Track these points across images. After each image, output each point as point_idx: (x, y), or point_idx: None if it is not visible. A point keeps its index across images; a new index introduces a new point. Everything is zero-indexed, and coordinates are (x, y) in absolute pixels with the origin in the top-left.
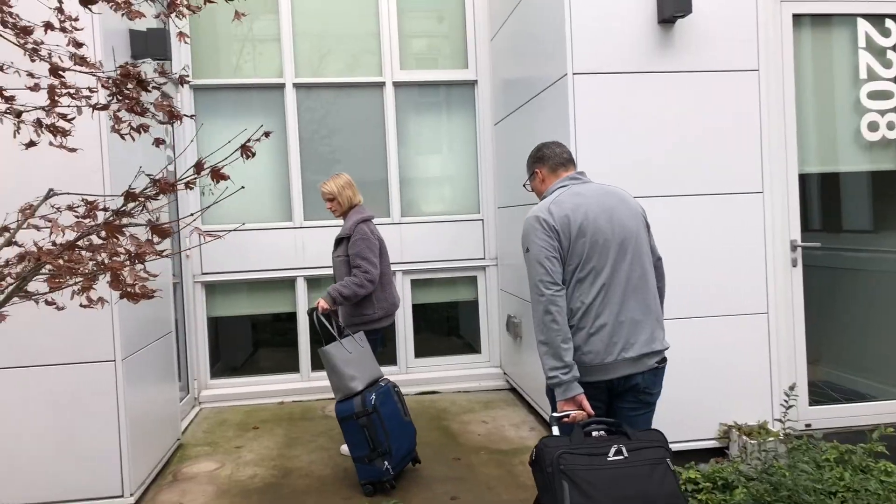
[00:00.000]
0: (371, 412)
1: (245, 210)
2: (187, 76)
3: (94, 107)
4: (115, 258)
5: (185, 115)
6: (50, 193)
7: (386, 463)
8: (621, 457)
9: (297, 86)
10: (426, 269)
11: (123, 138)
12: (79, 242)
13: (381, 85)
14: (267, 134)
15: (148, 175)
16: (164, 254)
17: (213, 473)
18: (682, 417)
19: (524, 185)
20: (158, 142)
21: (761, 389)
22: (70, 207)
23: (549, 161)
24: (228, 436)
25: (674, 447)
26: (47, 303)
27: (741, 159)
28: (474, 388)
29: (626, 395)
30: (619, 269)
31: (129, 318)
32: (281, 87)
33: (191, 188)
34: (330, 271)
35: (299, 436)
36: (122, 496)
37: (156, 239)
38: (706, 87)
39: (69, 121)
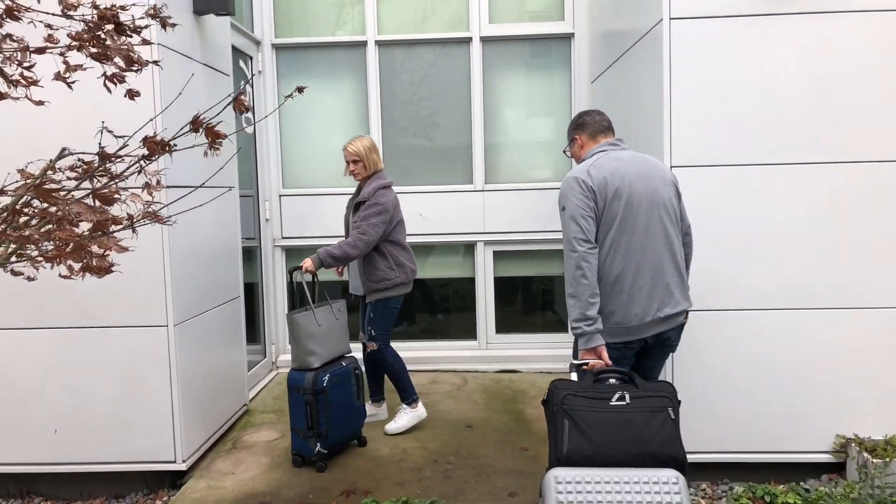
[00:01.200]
0: (319, 392)
1: (323, 175)
2: (169, 18)
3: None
4: (73, 227)
5: (150, 62)
6: (63, 153)
7: (318, 445)
8: (623, 402)
9: (379, 43)
10: (511, 240)
11: (70, 87)
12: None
13: (468, 41)
14: (300, 90)
15: (112, 132)
16: (127, 224)
17: (271, 444)
18: (792, 423)
19: (564, 151)
20: (132, 94)
21: (892, 398)
22: (72, 168)
23: (588, 128)
24: None
25: (781, 458)
26: (13, 272)
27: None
28: (559, 370)
29: (654, 349)
30: (653, 233)
31: (186, 282)
32: (363, 44)
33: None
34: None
35: None
36: (174, 461)
37: (108, 206)
38: (842, 30)
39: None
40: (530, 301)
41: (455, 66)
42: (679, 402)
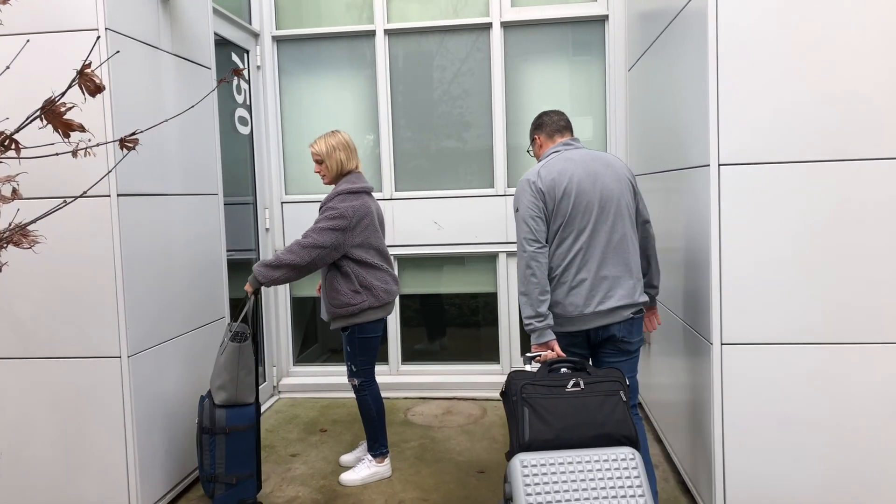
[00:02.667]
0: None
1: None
2: None
3: None
4: None
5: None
6: None
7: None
8: (578, 388)
9: (388, 33)
10: None
11: None
12: None
13: (487, 27)
14: (237, 72)
15: None
16: None
17: None
18: None
19: (527, 151)
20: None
21: None
22: None
23: (546, 128)
24: (290, 438)
25: None
26: None
27: None
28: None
29: (605, 344)
30: (599, 229)
31: (147, 304)
32: (371, 34)
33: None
34: (420, 250)
35: None
36: None
37: None
38: None
39: None
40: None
41: (473, 57)
42: (628, 385)
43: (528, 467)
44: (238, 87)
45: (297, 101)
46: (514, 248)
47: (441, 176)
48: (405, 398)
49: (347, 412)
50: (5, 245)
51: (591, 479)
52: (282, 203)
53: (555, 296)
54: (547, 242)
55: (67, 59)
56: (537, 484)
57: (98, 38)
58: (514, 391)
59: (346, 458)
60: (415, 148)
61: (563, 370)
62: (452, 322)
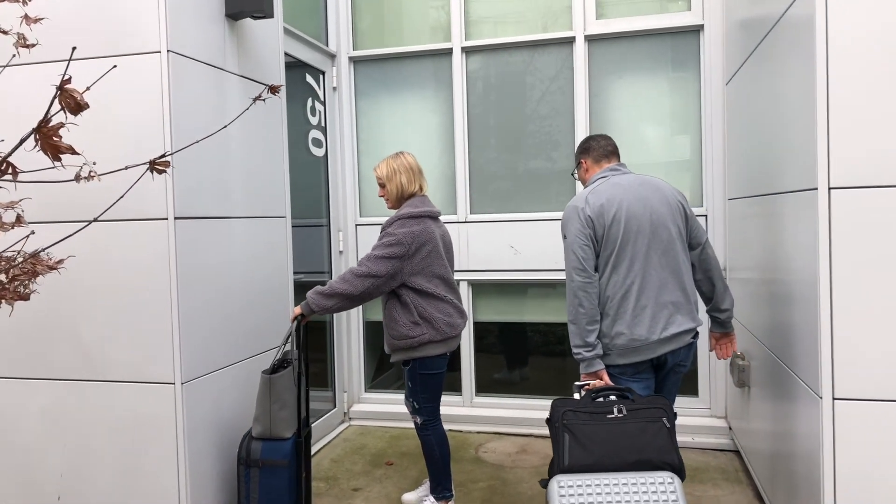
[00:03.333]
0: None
1: None
2: None
3: None
4: None
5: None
6: None
7: None
8: (620, 415)
9: (466, 50)
10: None
11: None
12: None
13: (570, 41)
14: (273, 89)
15: None
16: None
17: None
18: None
19: (572, 175)
20: None
21: None
22: None
23: (593, 152)
24: (354, 470)
25: None
26: None
27: None
28: (683, 444)
29: (668, 370)
30: (652, 255)
31: (204, 328)
32: (448, 52)
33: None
34: (494, 276)
35: None
36: None
37: None
38: None
39: None
40: None
41: (555, 73)
42: (675, 414)
43: (566, 488)
44: (313, 108)
45: (374, 122)
46: None
47: (518, 198)
48: (478, 432)
49: (416, 445)
50: (27, 278)
51: (629, 501)
52: (356, 225)
53: (617, 326)
54: (597, 270)
55: (131, 81)
56: None
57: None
58: (557, 418)
59: (408, 498)
60: (492, 169)
61: (611, 397)
62: (535, 351)
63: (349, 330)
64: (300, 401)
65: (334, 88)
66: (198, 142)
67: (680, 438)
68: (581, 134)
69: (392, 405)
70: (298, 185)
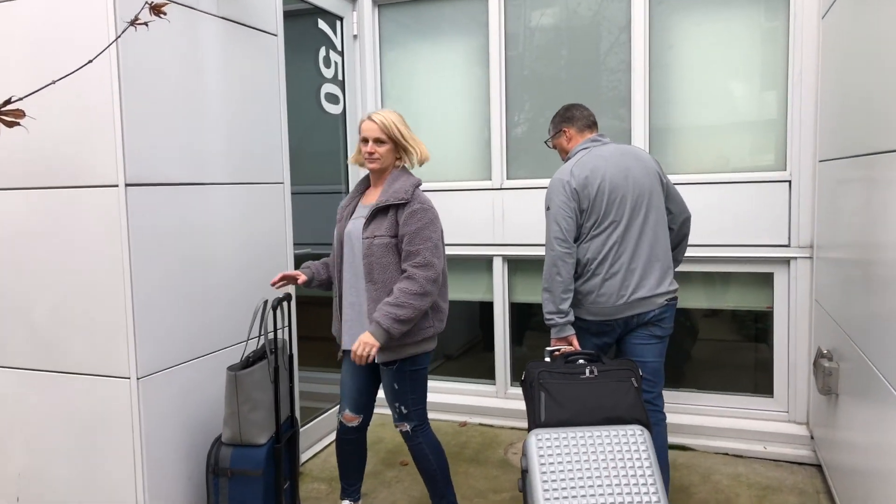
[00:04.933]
0: None
1: (437, 166)
2: None
3: None
4: None
5: None
6: None
7: None
8: (592, 375)
9: None
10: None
11: None
12: None
13: None
14: (157, 9)
15: None
16: None
17: None
18: None
19: (545, 142)
20: None
21: None
22: None
23: (577, 122)
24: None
25: None
26: None
27: None
28: (753, 454)
29: (638, 329)
30: (633, 223)
31: (172, 313)
32: None
33: None
34: (533, 251)
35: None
36: None
37: None
38: None
39: None
40: (712, 344)
41: (606, 16)
42: (641, 375)
43: (543, 440)
44: (327, 59)
45: (402, 75)
46: None
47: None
48: (511, 428)
49: (441, 440)
50: None
51: (602, 454)
52: None
53: (588, 286)
54: (578, 238)
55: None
56: (551, 456)
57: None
58: (532, 378)
59: None
60: (533, 132)
61: (580, 361)
62: None
63: None
64: (279, 400)
65: (355, 36)
66: (54, 82)
67: (750, 447)
68: (639, 90)
69: None
70: (307, 147)
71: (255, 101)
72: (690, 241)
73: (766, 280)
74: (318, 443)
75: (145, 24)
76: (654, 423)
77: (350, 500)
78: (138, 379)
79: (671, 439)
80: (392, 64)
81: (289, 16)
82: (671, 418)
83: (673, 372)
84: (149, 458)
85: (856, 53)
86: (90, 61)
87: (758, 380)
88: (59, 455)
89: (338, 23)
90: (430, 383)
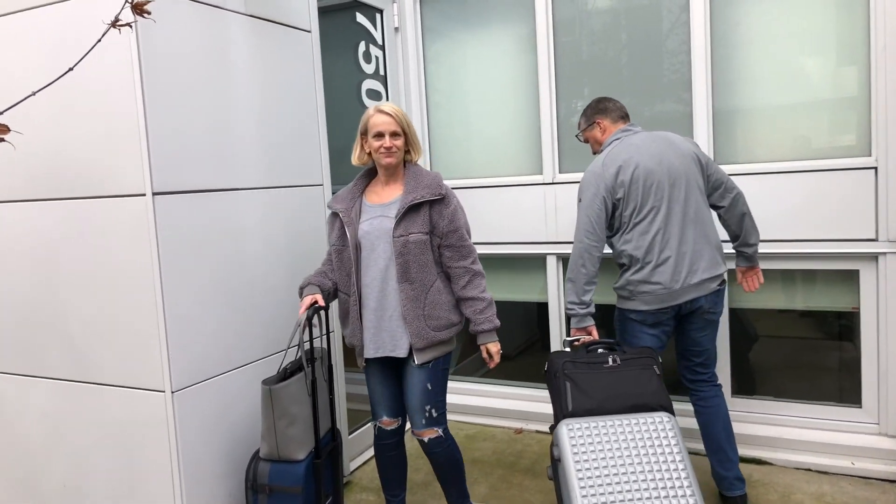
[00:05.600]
0: None
1: (474, 161)
2: None
3: None
4: None
5: None
6: None
7: None
8: (615, 364)
9: None
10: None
11: None
12: None
13: None
14: (139, 8)
15: None
16: None
17: None
18: None
19: (577, 136)
20: None
21: None
22: None
23: (611, 113)
24: (414, 480)
25: None
26: None
27: None
28: (839, 469)
29: (692, 316)
30: (673, 207)
31: (206, 326)
32: None
33: None
34: None
35: (505, 503)
36: None
37: None
38: None
39: None
40: (786, 349)
41: None
42: (661, 362)
43: (574, 430)
44: (367, 54)
45: (447, 69)
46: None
47: None
48: None
49: (494, 449)
50: None
51: (632, 440)
52: None
53: (640, 275)
54: (618, 229)
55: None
56: (583, 444)
57: None
58: (557, 369)
59: None
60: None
61: (600, 351)
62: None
63: None
64: (317, 413)
65: (396, 29)
66: (34, 94)
67: (836, 462)
68: (700, 70)
69: (472, 397)
70: (350, 146)
71: (290, 100)
72: (765, 236)
73: (851, 278)
74: (368, 450)
75: (128, 25)
76: (714, 395)
77: None
78: (173, 392)
79: (744, 452)
80: (436, 56)
81: (325, 11)
82: (745, 429)
83: (745, 377)
84: (186, 475)
85: None
86: (71, 69)
87: (843, 386)
88: (98, 469)
89: (377, 16)
90: (484, 387)
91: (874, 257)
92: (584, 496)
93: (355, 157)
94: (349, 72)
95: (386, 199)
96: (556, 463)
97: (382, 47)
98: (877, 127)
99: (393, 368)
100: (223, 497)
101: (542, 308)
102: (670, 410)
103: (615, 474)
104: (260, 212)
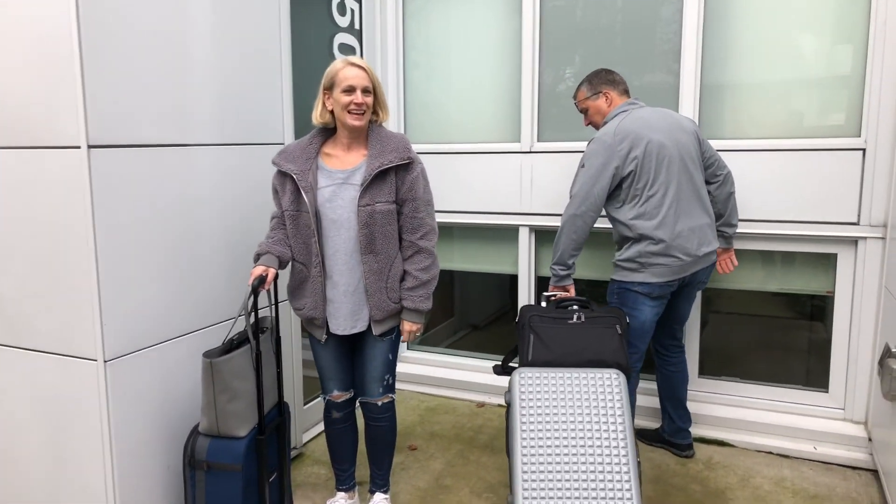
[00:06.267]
0: None
1: (451, 125)
2: None
3: None
4: None
5: None
6: None
7: None
8: (580, 321)
9: None
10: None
11: None
12: None
13: None
14: None
15: None
16: None
17: None
18: None
19: (575, 102)
20: None
21: None
22: None
23: (618, 85)
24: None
25: None
26: None
27: None
28: (801, 454)
29: (688, 288)
30: (683, 181)
31: (145, 291)
32: None
33: None
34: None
35: (461, 480)
36: None
37: None
38: None
39: None
40: (755, 328)
41: None
42: (627, 322)
43: (525, 379)
44: (342, 6)
45: (428, 24)
46: None
47: None
48: None
49: (454, 423)
50: None
51: (578, 394)
52: None
53: (657, 248)
54: (628, 202)
55: None
56: (531, 393)
57: None
58: (525, 321)
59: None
60: (567, 88)
61: (574, 307)
62: None
63: None
64: (261, 388)
65: None
66: None
67: (798, 447)
68: (690, 42)
69: (435, 367)
70: None
71: (251, 52)
72: (743, 215)
73: (829, 261)
74: (322, 422)
75: None
76: (683, 358)
77: (345, 492)
78: (106, 361)
79: (706, 433)
80: (417, 12)
81: None
82: (709, 410)
83: (711, 357)
84: (119, 449)
85: None
86: None
87: (811, 369)
88: (29, 437)
89: None
90: (448, 359)
91: (854, 242)
92: (524, 445)
93: (317, 115)
94: (321, 24)
95: (349, 164)
96: (508, 407)
97: (361, 6)
98: (869, 107)
99: (349, 342)
100: (159, 473)
101: (515, 279)
102: (626, 369)
103: (556, 423)
104: (212, 170)
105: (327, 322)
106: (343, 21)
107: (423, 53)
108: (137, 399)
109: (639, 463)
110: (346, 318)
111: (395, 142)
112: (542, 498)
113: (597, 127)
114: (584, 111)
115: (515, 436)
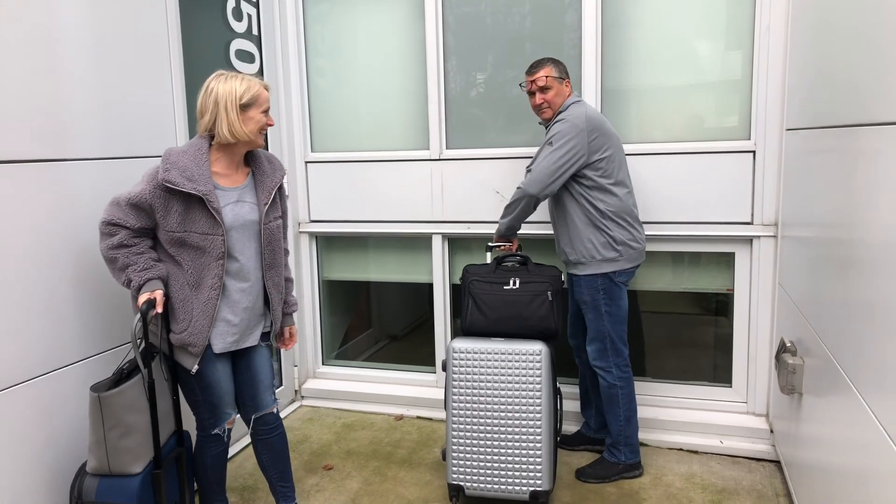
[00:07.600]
0: None
1: (359, 132)
2: None
3: None
4: None
5: None
6: None
7: None
8: (514, 287)
9: None
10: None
11: None
12: None
13: None
14: None
15: None
16: None
17: None
18: None
19: (520, 85)
20: None
21: None
22: None
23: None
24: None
25: None
26: None
27: None
28: (709, 448)
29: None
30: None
31: (15, 321)
32: None
33: None
34: (475, 228)
35: (378, 499)
36: None
37: None
38: None
39: None
40: (663, 326)
41: None
42: (562, 285)
43: (459, 352)
44: (237, 10)
45: (332, 29)
46: None
47: (507, 130)
48: None
49: (371, 438)
50: None
51: (504, 366)
52: (306, 163)
53: (630, 233)
54: (600, 188)
55: None
56: (464, 366)
57: None
58: (466, 284)
59: None
60: (471, 94)
61: (512, 264)
62: None
63: (301, 289)
64: (157, 420)
65: None
66: None
67: (707, 442)
68: (590, 45)
69: (351, 382)
70: None
71: (137, 60)
72: (650, 218)
73: (728, 260)
74: (232, 445)
75: None
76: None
77: None
78: None
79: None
80: (319, 17)
81: None
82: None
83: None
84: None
85: (833, 8)
86: None
87: (717, 364)
88: None
89: None
90: (365, 372)
91: (749, 240)
92: (454, 407)
93: (233, 131)
94: (215, 30)
95: (237, 182)
96: (444, 368)
97: (256, 4)
98: (756, 111)
99: (230, 357)
100: None
101: (432, 288)
102: (554, 334)
103: (482, 393)
104: (96, 186)
105: (210, 345)
106: (240, 27)
107: (327, 59)
108: (16, 436)
109: (558, 426)
110: (241, 334)
111: (276, 160)
112: (468, 446)
113: (552, 110)
114: (545, 89)
115: (449, 398)
